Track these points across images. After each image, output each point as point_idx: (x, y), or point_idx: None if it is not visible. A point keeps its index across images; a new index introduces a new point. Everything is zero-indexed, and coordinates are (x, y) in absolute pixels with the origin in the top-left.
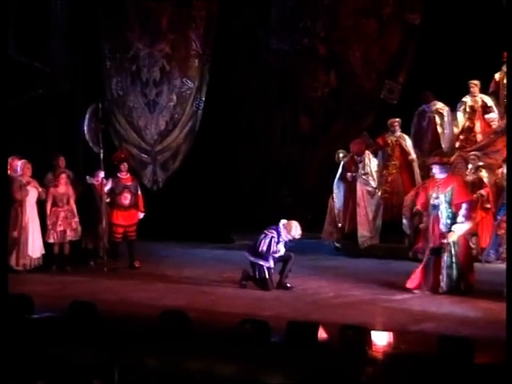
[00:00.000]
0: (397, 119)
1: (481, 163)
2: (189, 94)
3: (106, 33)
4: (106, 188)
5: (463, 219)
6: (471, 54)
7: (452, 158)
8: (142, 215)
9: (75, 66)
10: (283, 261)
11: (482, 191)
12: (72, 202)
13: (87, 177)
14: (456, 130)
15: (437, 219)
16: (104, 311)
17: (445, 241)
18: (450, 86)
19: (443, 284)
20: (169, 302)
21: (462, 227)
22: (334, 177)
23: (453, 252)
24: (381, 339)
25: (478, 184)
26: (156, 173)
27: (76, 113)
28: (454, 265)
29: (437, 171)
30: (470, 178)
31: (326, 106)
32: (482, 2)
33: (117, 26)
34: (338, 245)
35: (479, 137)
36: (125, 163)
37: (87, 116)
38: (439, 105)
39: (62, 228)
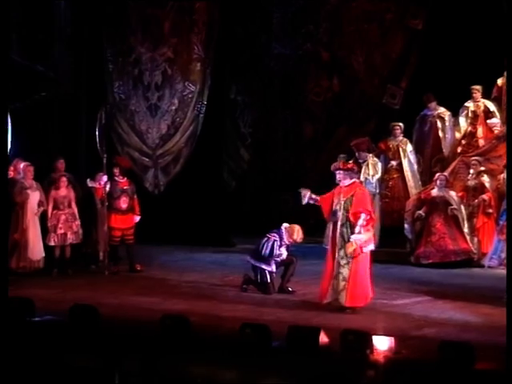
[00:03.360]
0: (398, 124)
1: (482, 168)
2: (190, 98)
3: (108, 37)
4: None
5: (360, 229)
6: (473, 60)
7: (454, 163)
8: (138, 219)
9: (78, 70)
10: (285, 265)
11: (484, 196)
12: (73, 205)
13: (88, 180)
14: (458, 135)
15: (335, 226)
16: (105, 315)
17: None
18: (452, 92)
19: (328, 294)
20: (170, 306)
21: (360, 238)
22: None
23: (341, 263)
24: (382, 344)
25: (480, 189)
26: (157, 176)
27: (79, 116)
28: (341, 275)
29: (341, 177)
30: (471, 183)
31: (328, 112)
32: (485, 7)
33: (119, 30)
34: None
35: (481, 142)
36: (117, 168)
37: (97, 121)
38: (441, 109)
39: (62, 231)
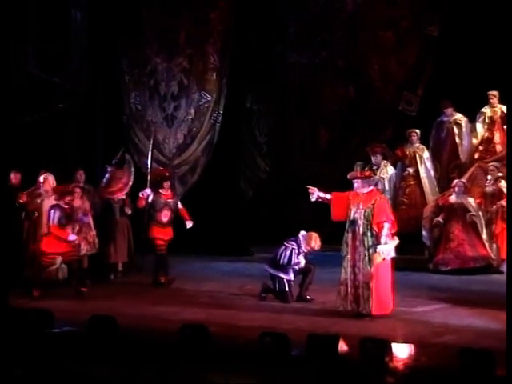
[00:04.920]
0: (414, 130)
1: (500, 174)
2: (207, 107)
3: (124, 48)
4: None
5: (386, 239)
6: (490, 65)
7: (471, 169)
8: (190, 224)
9: (94, 82)
10: (303, 273)
11: (503, 202)
12: (89, 215)
13: None
14: (475, 141)
15: (354, 235)
16: (124, 325)
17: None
18: (468, 97)
19: (347, 303)
20: (188, 315)
21: (387, 248)
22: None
23: (364, 272)
24: (402, 352)
25: (498, 195)
26: (174, 186)
27: (95, 127)
28: (365, 285)
29: (359, 186)
30: (489, 189)
31: (344, 119)
32: (500, 12)
33: (135, 41)
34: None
35: (499, 147)
36: (168, 181)
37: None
38: (457, 115)
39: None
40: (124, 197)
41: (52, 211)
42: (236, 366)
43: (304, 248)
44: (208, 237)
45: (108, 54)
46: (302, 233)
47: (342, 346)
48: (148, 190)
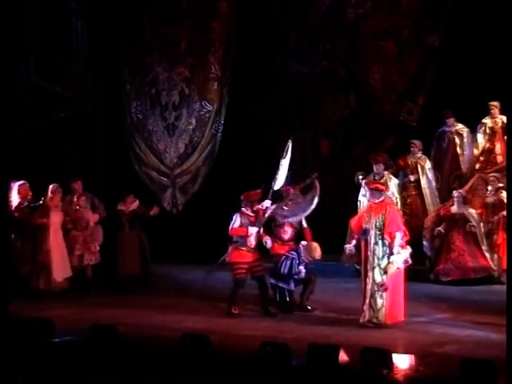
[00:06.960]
0: (415, 141)
1: (501, 184)
2: (208, 117)
3: (125, 57)
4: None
5: (399, 249)
6: (491, 75)
7: (472, 180)
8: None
9: (96, 91)
10: (304, 283)
11: (504, 212)
12: (92, 225)
13: (119, 203)
14: (476, 152)
15: (366, 244)
16: (125, 334)
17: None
18: (469, 108)
19: (365, 313)
20: (189, 325)
21: (399, 258)
22: (356, 199)
23: (377, 281)
24: (402, 362)
25: (499, 205)
26: (175, 196)
27: (96, 136)
28: (378, 294)
29: (369, 196)
30: (490, 199)
31: (345, 129)
32: (502, 22)
33: (136, 50)
34: (358, 267)
35: (499, 158)
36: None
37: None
38: (459, 126)
39: (79, 252)
40: (136, 208)
41: (235, 216)
42: (237, 375)
43: (305, 258)
44: (209, 246)
45: (109, 63)
46: (303, 242)
47: (343, 356)
48: (268, 202)
